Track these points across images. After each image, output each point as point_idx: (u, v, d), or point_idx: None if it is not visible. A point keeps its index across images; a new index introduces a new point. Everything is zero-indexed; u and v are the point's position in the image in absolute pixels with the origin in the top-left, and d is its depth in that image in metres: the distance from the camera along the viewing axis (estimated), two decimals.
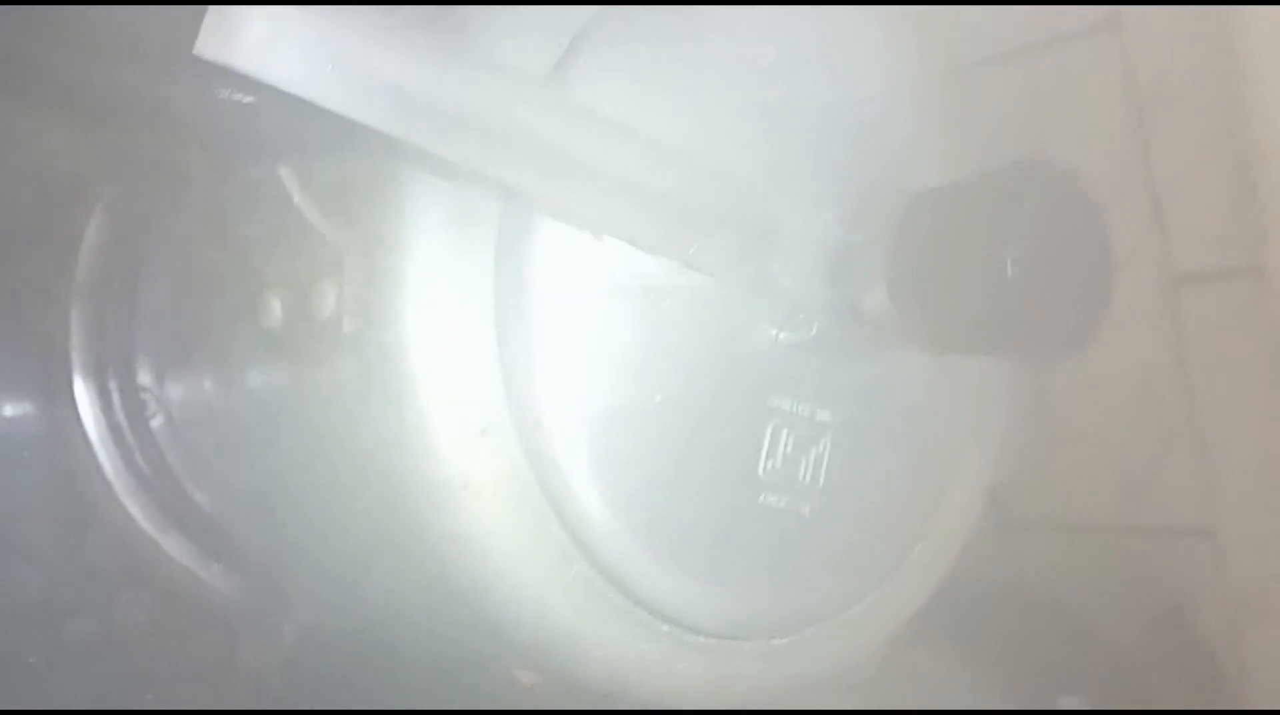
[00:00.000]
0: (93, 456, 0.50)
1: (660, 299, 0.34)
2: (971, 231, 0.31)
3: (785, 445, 0.36)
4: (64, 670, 0.49)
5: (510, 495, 0.33)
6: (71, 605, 0.50)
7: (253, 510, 0.43)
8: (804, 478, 0.36)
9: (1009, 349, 0.31)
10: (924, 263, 0.32)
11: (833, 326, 0.35)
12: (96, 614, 0.50)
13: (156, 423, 0.48)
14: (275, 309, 0.35)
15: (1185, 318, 0.64)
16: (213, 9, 0.24)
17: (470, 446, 0.32)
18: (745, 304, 0.35)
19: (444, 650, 0.41)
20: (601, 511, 0.33)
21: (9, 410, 0.48)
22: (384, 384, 0.32)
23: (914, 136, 0.39)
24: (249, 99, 0.27)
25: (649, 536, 0.34)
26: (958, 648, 0.63)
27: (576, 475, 0.33)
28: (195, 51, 0.24)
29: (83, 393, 0.50)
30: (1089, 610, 0.70)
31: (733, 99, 0.36)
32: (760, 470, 0.36)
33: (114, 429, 0.50)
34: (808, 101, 0.37)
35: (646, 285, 0.34)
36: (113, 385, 0.50)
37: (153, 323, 0.47)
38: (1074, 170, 0.32)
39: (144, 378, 0.48)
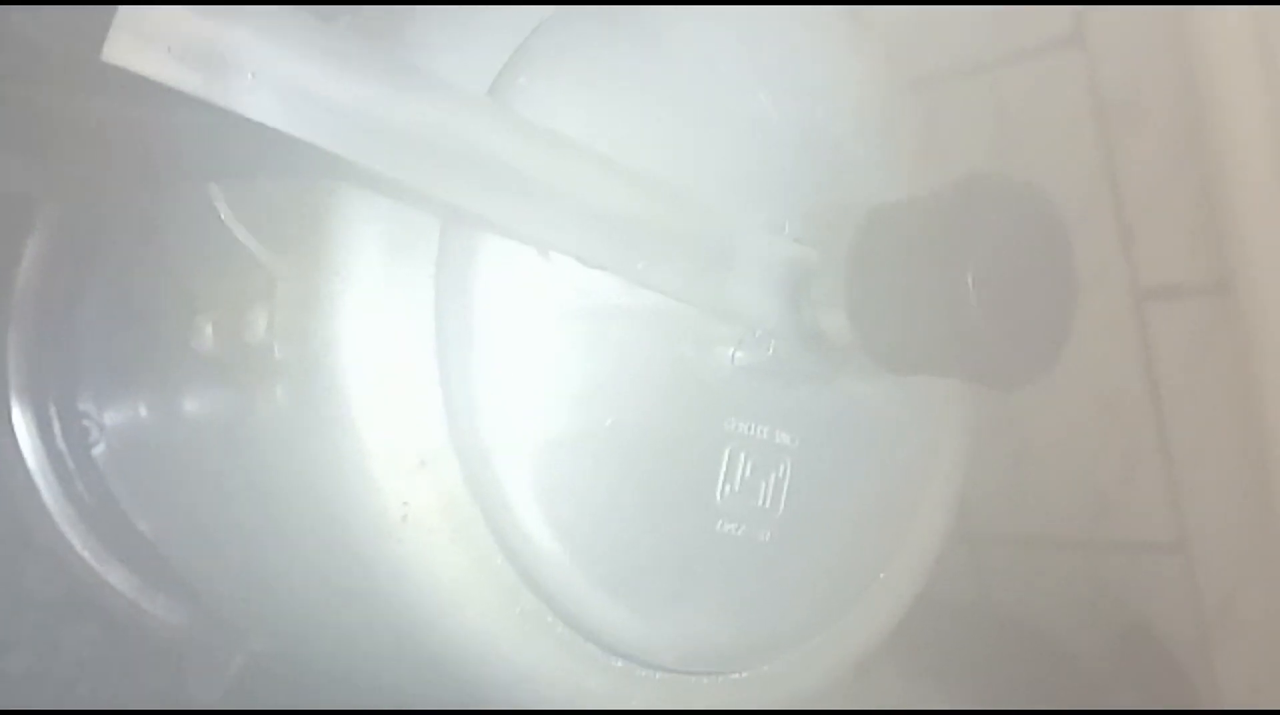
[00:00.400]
0: (31, 484, 0.48)
1: (610, 320, 0.32)
2: (929, 248, 0.29)
3: (743, 470, 0.35)
4: (2, 703, 0.48)
5: (452, 528, 0.31)
6: (9, 639, 0.48)
7: (193, 540, 0.41)
8: (763, 503, 0.35)
9: (971, 370, 0.30)
10: (880, 282, 0.31)
11: (792, 347, 0.34)
12: (35, 647, 0.49)
13: (98, 450, 0.47)
14: (207, 333, 0.33)
15: (1153, 333, 0.64)
16: (121, 10, 0.22)
17: (410, 477, 0.31)
18: (700, 325, 0.34)
19: (394, 684, 0.39)
20: (549, 543, 0.32)
21: None
22: (319, 413, 0.31)
23: (877, 153, 0.38)
24: (170, 112, 0.26)
25: (600, 568, 0.33)
26: (926, 667, 0.62)
27: (522, 506, 0.32)
28: (103, 58, 0.22)
29: (20, 418, 0.48)
30: (1057, 627, 0.69)
31: (687, 113, 0.34)
32: (717, 496, 0.34)
33: (53, 456, 0.48)
34: (767, 116, 0.36)
35: (596, 306, 0.32)
36: (52, 411, 0.48)
37: (92, 346, 0.46)
38: (1035, 184, 0.31)
39: (85, 404, 0.47)
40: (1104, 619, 0.68)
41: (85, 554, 0.49)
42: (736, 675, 0.36)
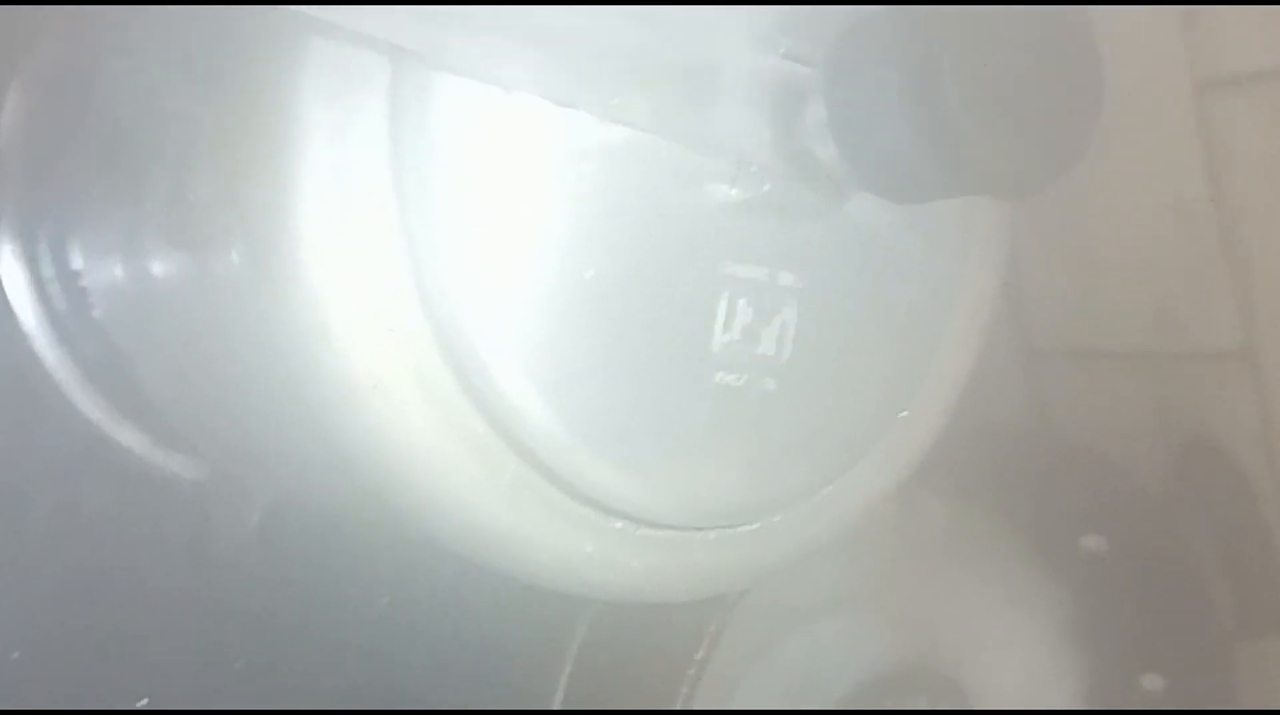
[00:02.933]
0: (33, 350, 0.47)
1: (586, 161, 0.29)
2: (907, 51, 0.26)
3: (743, 316, 0.32)
4: (27, 562, 0.48)
5: (426, 396, 0.29)
6: (28, 501, 0.48)
7: (185, 399, 0.40)
8: (766, 351, 0.32)
9: (968, 183, 0.26)
10: (861, 97, 0.27)
11: (790, 180, 0.31)
12: (55, 510, 0.48)
13: (98, 311, 0.45)
14: (161, 192, 0.31)
15: (1214, 126, 0.59)
16: None
17: (377, 344, 0.29)
18: (686, 162, 0.30)
19: (399, 544, 0.38)
20: (533, 407, 0.30)
21: None
22: (273, 281, 0.28)
23: None
24: None
25: (590, 429, 0.31)
26: (972, 492, 0.60)
27: (501, 369, 0.29)
28: None
29: (17, 281, 0.47)
30: (1115, 444, 0.66)
31: None
32: (715, 346, 0.32)
33: (54, 319, 0.47)
34: None
35: (569, 146, 0.29)
36: (47, 273, 0.46)
37: (77, 203, 0.44)
38: None
39: (77, 263, 0.45)
40: (1166, 434, 0.66)
41: (95, 415, 0.48)
42: (745, 527, 0.34)
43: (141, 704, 0.47)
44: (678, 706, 0.45)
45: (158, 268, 0.34)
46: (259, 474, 0.42)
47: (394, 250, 0.29)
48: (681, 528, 0.33)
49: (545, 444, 0.30)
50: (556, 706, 0.49)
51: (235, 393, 0.35)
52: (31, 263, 0.46)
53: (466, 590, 0.41)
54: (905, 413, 0.36)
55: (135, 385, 0.46)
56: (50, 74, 0.45)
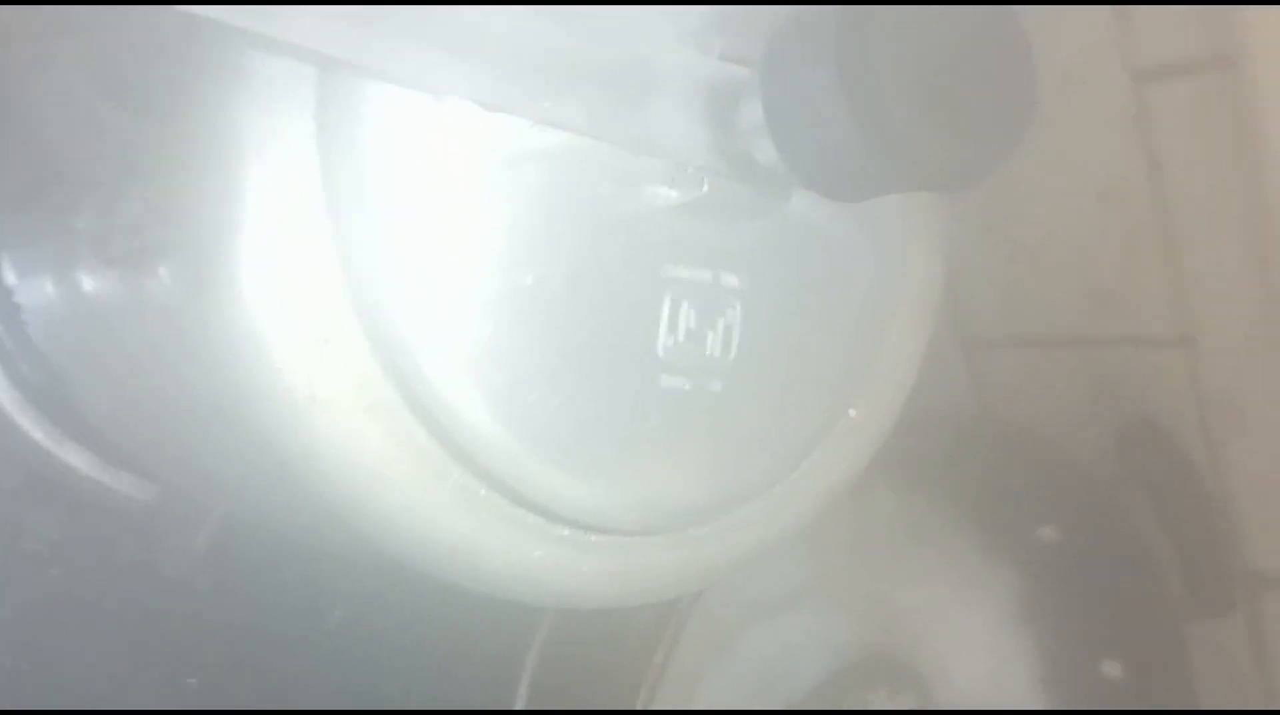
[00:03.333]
0: None
1: (521, 165, 0.29)
2: (840, 51, 0.26)
3: (687, 318, 0.32)
4: None
5: (366, 407, 0.29)
6: None
7: (128, 419, 0.39)
8: (711, 352, 0.32)
9: (904, 179, 0.27)
10: (796, 96, 0.27)
11: (729, 179, 0.31)
12: (2, 536, 0.48)
13: (32, 329, 0.44)
14: (91, 209, 0.30)
15: (1153, 114, 0.60)
16: None
17: (312, 357, 0.28)
18: (624, 164, 0.30)
19: (347, 557, 0.38)
20: (477, 413, 0.30)
21: None
22: (204, 296, 0.28)
23: None
24: None
25: (534, 435, 0.30)
26: (921, 481, 0.61)
27: (440, 377, 0.29)
28: None
29: None
30: (1057, 429, 0.67)
31: None
32: (659, 349, 0.32)
33: None
34: None
35: (503, 151, 0.29)
36: None
37: (7, 219, 0.43)
38: None
39: (9, 279, 0.44)
40: (1105, 418, 0.66)
41: (39, 436, 0.47)
42: (696, 531, 0.34)
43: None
44: (639, 706, 0.45)
45: (91, 286, 0.34)
46: (207, 491, 0.42)
47: (327, 261, 0.28)
48: (632, 532, 0.33)
49: (489, 451, 0.30)
50: (519, 707, 0.48)
51: (175, 410, 0.34)
52: None
53: (422, 598, 0.40)
54: (854, 409, 0.37)
55: (76, 405, 0.45)
56: None
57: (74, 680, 0.48)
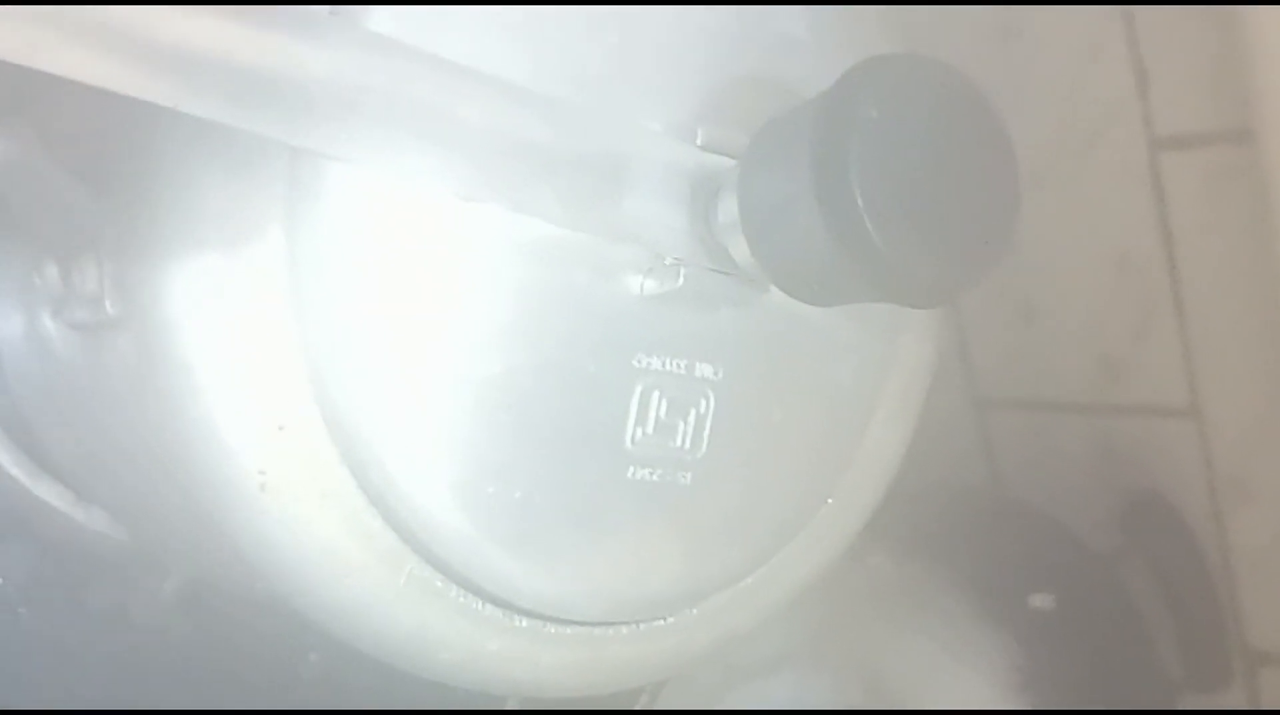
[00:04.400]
0: None
1: (492, 253, 0.28)
2: (813, 153, 0.25)
3: (658, 410, 0.31)
4: None
5: (319, 494, 0.28)
6: None
7: (90, 468, 0.39)
8: (682, 444, 0.31)
9: (882, 292, 0.25)
10: (770, 199, 0.26)
11: (706, 270, 0.30)
12: None
13: (6, 366, 0.44)
14: (51, 275, 0.30)
15: (1167, 184, 0.58)
16: None
17: (266, 442, 0.27)
18: (599, 252, 0.29)
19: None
20: (432, 503, 0.29)
21: None
22: (160, 374, 0.27)
23: (827, 37, 0.33)
24: None
25: (493, 525, 0.29)
26: (920, 548, 0.60)
27: (398, 466, 0.28)
28: None
29: None
30: (1061, 497, 0.66)
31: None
32: (628, 441, 0.31)
33: None
34: None
35: (474, 237, 0.28)
36: None
37: None
38: (942, 62, 0.26)
39: None
40: (1112, 487, 0.65)
41: (15, 471, 0.47)
42: (660, 622, 0.33)
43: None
44: None
45: (54, 341, 0.33)
46: (168, 548, 0.41)
47: (287, 343, 0.27)
48: (594, 623, 0.32)
49: (446, 540, 0.29)
50: None
51: (134, 473, 0.34)
52: None
53: None
54: (831, 499, 0.35)
55: (55, 437, 0.44)
56: None
57: None
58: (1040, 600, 0.62)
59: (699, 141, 0.29)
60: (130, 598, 0.48)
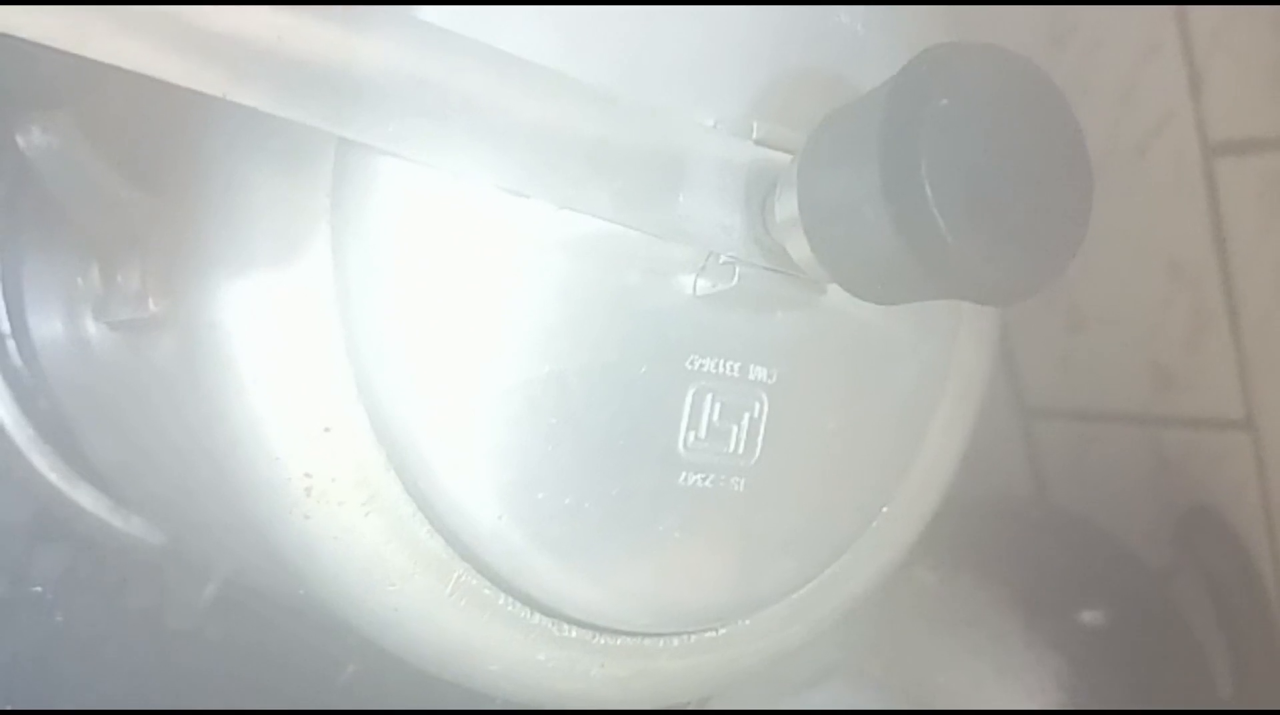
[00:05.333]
0: None
1: (542, 251, 0.28)
2: (878, 147, 0.24)
3: (710, 413, 0.30)
4: None
5: (365, 499, 0.27)
6: None
7: (132, 469, 0.38)
8: (735, 448, 0.31)
9: (952, 290, 0.24)
10: (834, 195, 0.25)
11: (762, 270, 0.29)
12: (6, 575, 0.46)
13: (47, 368, 0.43)
14: (94, 274, 0.29)
15: (1222, 190, 0.57)
16: None
17: (312, 445, 0.27)
18: (652, 251, 0.29)
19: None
20: (481, 509, 0.28)
21: None
22: (203, 374, 0.26)
23: (885, 33, 0.32)
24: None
25: (543, 532, 0.29)
26: (968, 562, 0.58)
27: (447, 470, 0.27)
28: None
29: None
30: (1111, 510, 0.64)
31: None
32: (680, 446, 0.30)
33: (8, 373, 0.45)
34: None
35: (523, 235, 0.27)
36: (3, 327, 0.45)
37: (24, 260, 0.42)
38: (1011, 52, 0.25)
39: (31, 318, 0.43)
40: (1163, 501, 0.64)
41: (51, 475, 0.46)
42: (711, 633, 0.32)
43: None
44: None
45: (96, 341, 0.33)
46: (208, 553, 0.40)
47: (332, 344, 0.27)
48: (644, 634, 0.31)
49: (495, 548, 0.28)
50: None
51: (176, 475, 0.33)
52: None
53: None
54: (887, 508, 0.34)
55: (84, 449, 0.44)
56: None
57: None
58: (1090, 616, 0.60)
59: (754, 137, 0.29)
60: (166, 602, 0.47)
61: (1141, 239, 0.61)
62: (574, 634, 0.30)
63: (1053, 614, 0.61)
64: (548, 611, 0.30)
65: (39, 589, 0.47)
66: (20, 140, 0.28)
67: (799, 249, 0.27)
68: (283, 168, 0.26)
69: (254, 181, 0.26)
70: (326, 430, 0.27)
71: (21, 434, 0.46)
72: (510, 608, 0.29)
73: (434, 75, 0.25)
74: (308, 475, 0.27)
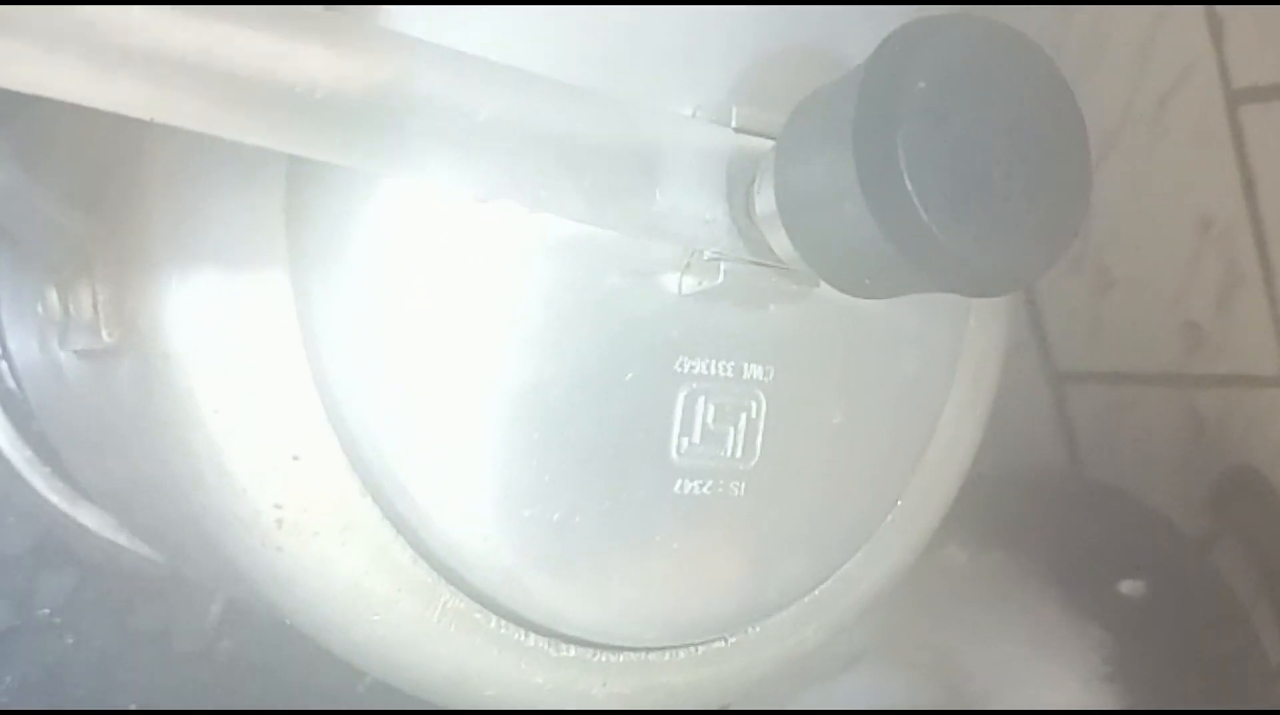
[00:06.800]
0: None
1: (516, 256, 0.26)
2: (856, 130, 0.22)
3: (704, 417, 0.28)
4: None
5: (342, 527, 0.26)
6: None
7: (114, 495, 0.37)
8: (732, 452, 0.29)
9: (937, 282, 0.23)
10: (812, 186, 0.23)
11: (749, 265, 0.27)
12: (11, 602, 0.46)
13: (31, 395, 0.42)
14: (51, 300, 0.28)
15: (1249, 139, 0.55)
16: None
17: (280, 476, 0.25)
18: (632, 250, 0.27)
19: None
20: (465, 531, 0.27)
21: None
22: (162, 405, 0.25)
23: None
24: None
25: (533, 550, 0.27)
26: (999, 538, 0.57)
27: (426, 492, 0.26)
28: None
29: None
30: (1148, 475, 0.62)
31: None
32: (674, 452, 0.28)
33: (2, 395, 0.44)
34: None
35: (494, 240, 0.26)
36: None
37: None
38: (999, 23, 0.23)
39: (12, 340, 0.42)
40: (1200, 464, 0.62)
41: (53, 497, 0.46)
42: (720, 643, 0.31)
43: None
44: None
45: (66, 367, 0.31)
46: (203, 576, 0.39)
47: (296, 366, 0.25)
48: (648, 648, 0.30)
49: (483, 570, 0.27)
50: None
51: (153, 504, 0.32)
52: None
53: None
54: (901, 501, 0.33)
55: (72, 472, 0.43)
56: None
57: None
58: (1129, 587, 0.58)
59: (734, 124, 0.27)
60: (174, 622, 0.46)
61: (1168, 195, 0.59)
62: (572, 653, 0.29)
63: (1090, 586, 0.59)
64: (543, 631, 0.28)
65: (47, 611, 0.46)
66: None
67: (781, 243, 0.25)
68: (232, 185, 0.25)
69: (203, 201, 0.25)
70: (295, 458, 0.25)
71: (19, 456, 0.45)
72: (503, 630, 0.28)
73: (382, 79, 0.23)
74: (278, 506, 0.25)
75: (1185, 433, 0.62)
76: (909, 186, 0.21)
